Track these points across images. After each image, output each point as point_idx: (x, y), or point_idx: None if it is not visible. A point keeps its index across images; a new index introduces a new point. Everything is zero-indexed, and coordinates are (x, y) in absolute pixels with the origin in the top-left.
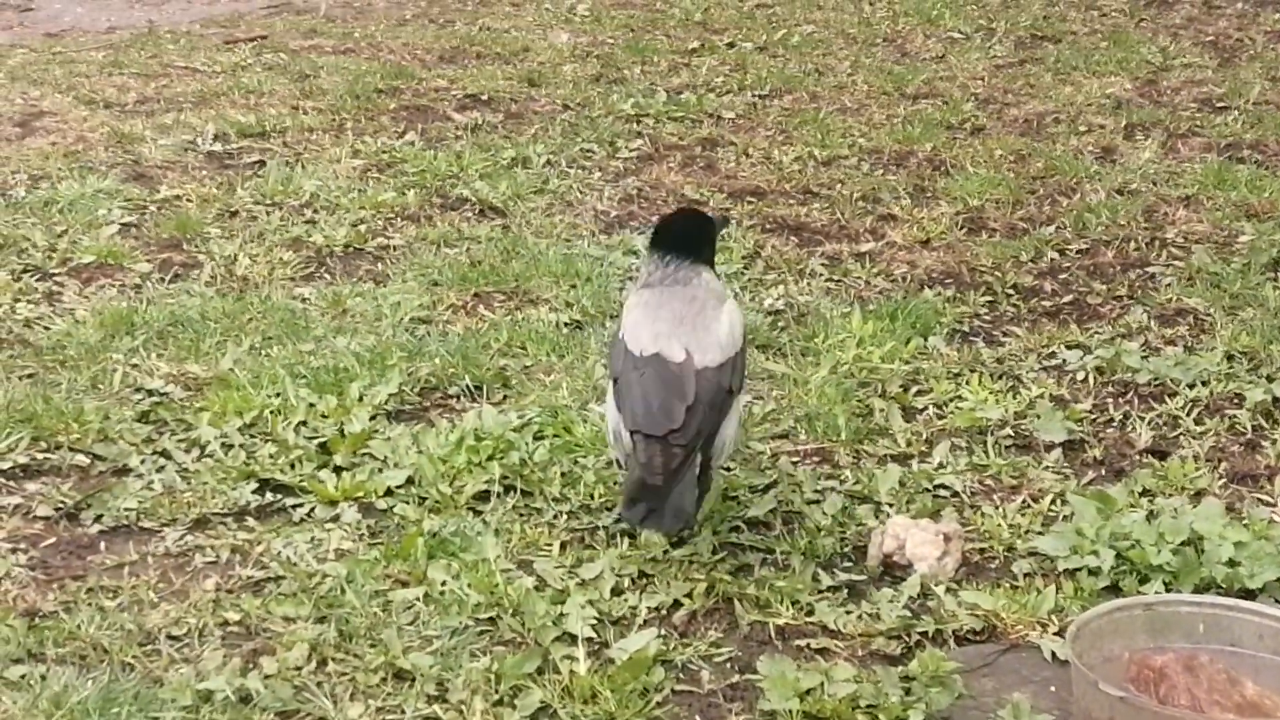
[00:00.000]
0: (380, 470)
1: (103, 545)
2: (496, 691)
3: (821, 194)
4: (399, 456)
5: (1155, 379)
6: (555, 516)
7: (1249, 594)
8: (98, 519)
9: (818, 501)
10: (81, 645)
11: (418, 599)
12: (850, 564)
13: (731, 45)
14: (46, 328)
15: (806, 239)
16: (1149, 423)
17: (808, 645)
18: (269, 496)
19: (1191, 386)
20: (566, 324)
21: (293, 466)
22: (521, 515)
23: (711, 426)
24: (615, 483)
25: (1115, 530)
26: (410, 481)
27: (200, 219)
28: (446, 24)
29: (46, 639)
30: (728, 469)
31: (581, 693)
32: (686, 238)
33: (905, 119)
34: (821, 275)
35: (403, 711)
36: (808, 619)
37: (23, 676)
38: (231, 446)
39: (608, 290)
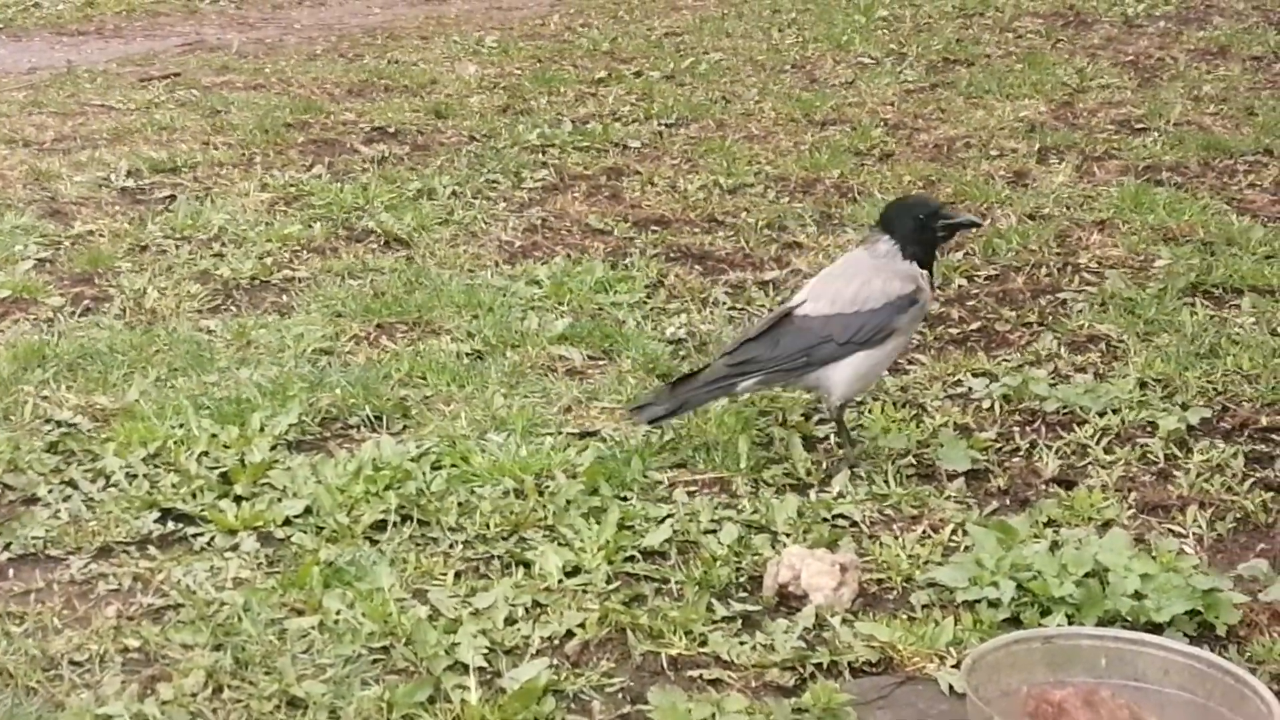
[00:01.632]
0: (279, 500)
1: (10, 573)
2: None
3: (726, 222)
4: (298, 486)
5: (1064, 407)
6: (451, 546)
7: (1156, 628)
8: (6, 547)
9: (714, 531)
10: None
11: (313, 627)
12: (746, 594)
13: (639, 74)
14: None
15: (710, 267)
16: (1056, 451)
17: (700, 676)
18: (171, 526)
19: (1102, 414)
20: (468, 354)
21: (194, 496)
22: (417, 544)
23: (780, 362)
24: (512, 513)
25: (1016, 561)
26: (308, 511)
27: (112, 253)
28: (355, 58)
29: None
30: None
31: None
32: (888, 214)
33: (813, 146)
34: (725, 304)
35: None
36: (701, 649)
37: None
38: (136, 476)
39: (509, 320)
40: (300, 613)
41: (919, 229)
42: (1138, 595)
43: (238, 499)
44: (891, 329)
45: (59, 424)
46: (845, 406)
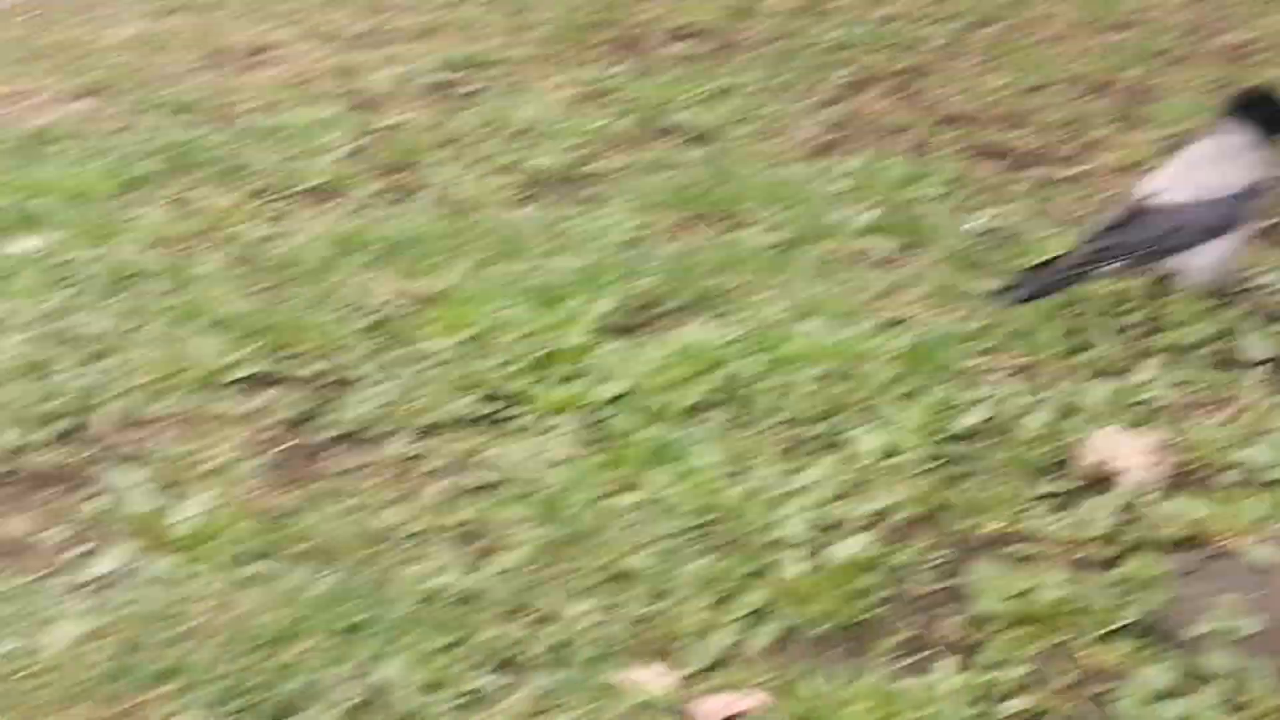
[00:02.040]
0: (599, 382)
1: (334, 451)
2: (714, 591)
3: (1027, 120)
4: (616, 369)
5: None
6: (768, 427)
7: None
8: (328, 426)
9: (1026, 414)
10: (315, 544)
11: (636, 504)
12: (1058, 474)
13: None
14: (277, 246)
15: (1012, 164)
16: None
17: (1017, 552)
18: (492, 406)
19: None
20: (776, 245)
21: (514, 378)
22: (735, 426)
23: (1138, 248)
24: (827, 396)
25: None
26: (627, 393)
27: (421, 145)
28: None
29: (282, 538)
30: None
31: (798, 594)
32: (1242, 102)
33: (1110, 47)
34: (1027, 198)
35: (624, 609)
36: (1017, 527)
37: (261, 573)
38: (455, 358)
39: (816, 213)
40: (624, 490)
41: (1271, 118)
42: None
43: (557, 381)
44: (1247, 216)
45: (376, 308)
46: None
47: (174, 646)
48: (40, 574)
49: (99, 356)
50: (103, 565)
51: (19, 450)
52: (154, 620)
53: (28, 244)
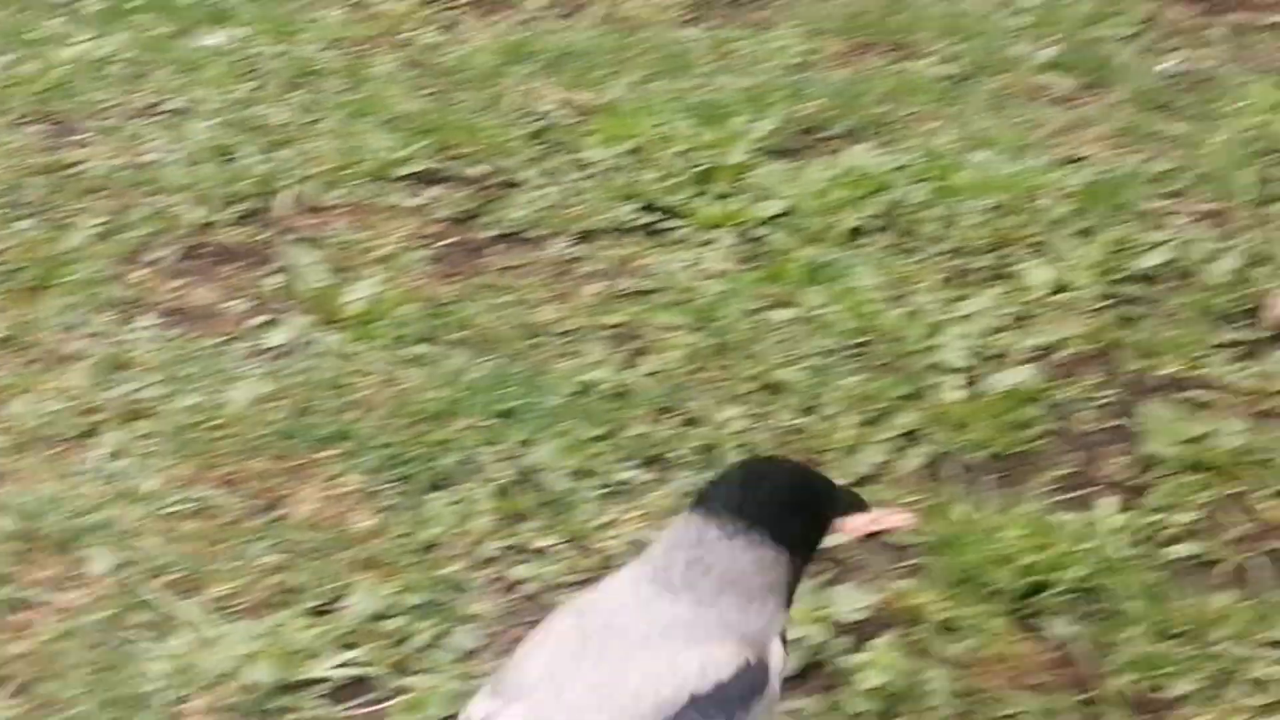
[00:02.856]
0: (758, 200)
1: (495, 249)
2: (867, 410)
3: None
4: (777, 188)
5: None
6: (933, 256)
7: None
8: (491, 225)
9: (1213, 260)
10: (476, 333)
11: (792, 320)
12: (1245, 323)
13: None
14: (447, 52)
15: (1210, 7)
16: None
17: (1194, 398)
18: (650, 216)
19: None
20: (950, 76)
21: (673, 191)
22: (898, 252)
23: None
24: (997, 228)
25: None
26: (787, 213)
27: None
28: None
29: (445, 324)
30: None
31: (953, 420)
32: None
33: None
34: (1224, 43)
35: (774, 420)
36: (1195, 372)
37: (423, 355)
38: (616, 168)
39: (993, 47)
40: (779, 305)
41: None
42: None
43: (717, 196)
44: None
45: (540, 115)
46: None
47: (342, 414)
48: (224, 339)
49: (280, 145)
50: (280, 335)
51: (207, 227)
52: (324, 388)
53: (217, 38)
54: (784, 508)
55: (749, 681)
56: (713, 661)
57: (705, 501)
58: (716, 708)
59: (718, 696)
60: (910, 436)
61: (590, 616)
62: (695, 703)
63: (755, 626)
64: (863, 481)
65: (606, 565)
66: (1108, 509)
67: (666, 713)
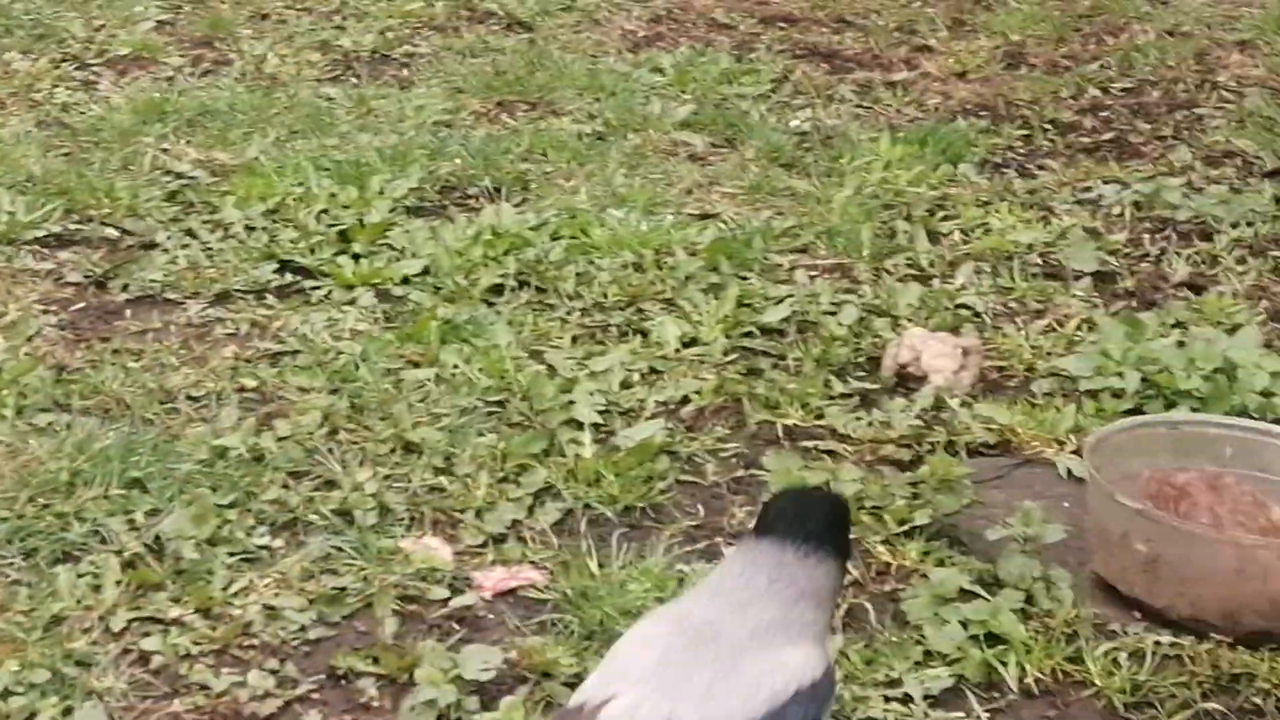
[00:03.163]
0: (397, 259)
1: (128, 312)
2: (502, 469)
3: (855, 23)
4: (416, 247)
5: (1196, 217)
6: (568, 313)
7: None
8: (125, 288)
9: (834, 312)
10: (105, 399)
11: (429, 379)
12: (864, 373)
13: None
14: (83, 112)
15: (838, 66)
16: (1187, 259)
17: (815, 447)
18: (288, 277)
19: (1235, 225)
20: (589, 134)
21: (313, 251)
22: (535, 309)
23: None
24: (630, 284)
25: (1143, 354)
26: (426, 271)
27: (232, 19)
28: None
29: (73, 391)
30: None
31: (585, 475)
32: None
33: None
34: (851, 101)
35: (409, 480)
36: (817, 422)
37: (50, 424)
38: (254, 229)
39: (631, 105)
40: (417, 365)
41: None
42: (1266, 393)
43: (356, 256)
44: None
45: (178, 175)
46: None
47: None
48: None
49: None
50: None
51: None
52: None
53: None
54: (836, 527)
55: (832, 678)
56: (810, 660)
57: (773, 530)
58: (811, 701)
59: (813, 692)
60: (544, 493)
61: (687, 621)
62: (798, 696)
63: (823, 626)
64: (497, 540)
65: (242, 633)
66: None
67: (777, 703)
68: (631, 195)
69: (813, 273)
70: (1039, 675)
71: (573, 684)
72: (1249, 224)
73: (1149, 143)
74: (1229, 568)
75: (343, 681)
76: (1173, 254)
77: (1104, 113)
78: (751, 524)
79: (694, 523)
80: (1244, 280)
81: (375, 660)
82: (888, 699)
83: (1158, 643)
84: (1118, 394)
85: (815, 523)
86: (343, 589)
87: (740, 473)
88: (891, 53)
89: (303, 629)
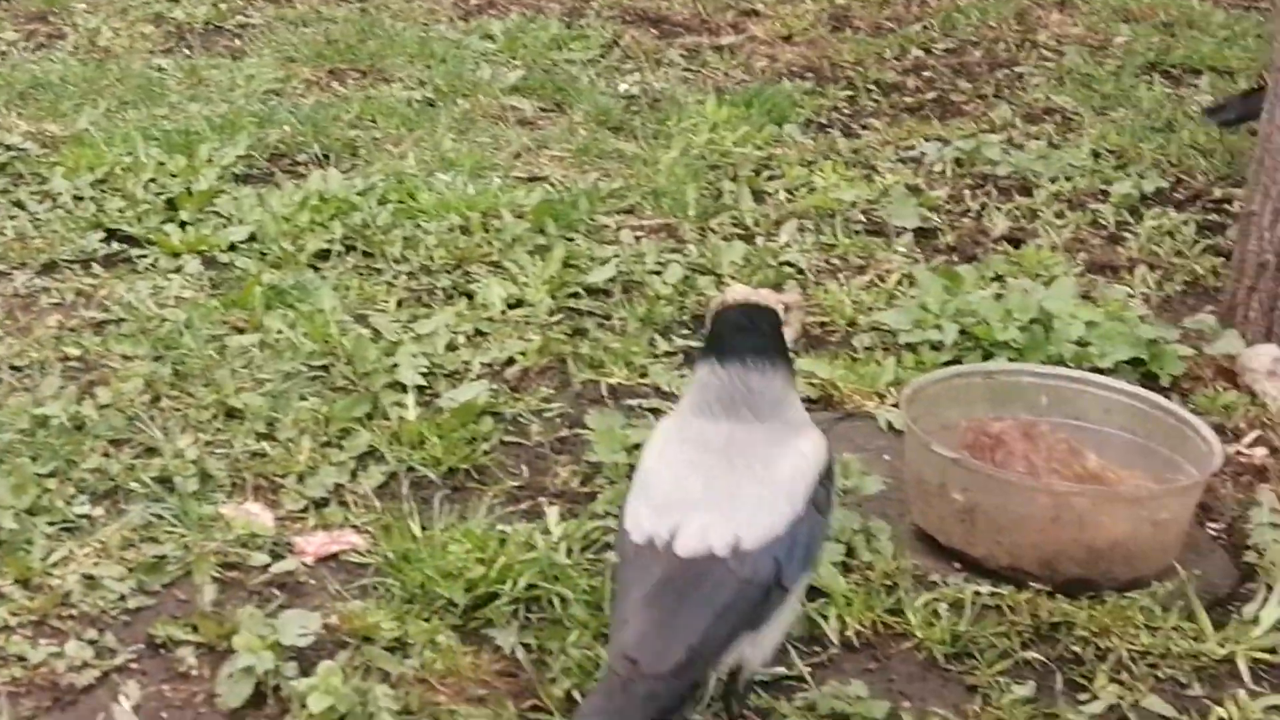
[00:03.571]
0: (224, 226)
1: None
2: (325, 432)
3: None
4: (243, 214)
5: (1016, 172)
6: (395, 276)
7: (1099, 374)
8: None
9: (659, 272)
10: None
11: (253, 345)
12: (688, 331)
13: None
14: None
15: (666, 31)
16: (1007, 213)
17: (639, 405)
18: (115, 246)
19: (1054, 180)
20: (419, 101)
21: (140, 219)
22: (361, 273)
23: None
24: (457, 247)
25: (961, 306)
26: (253, 238)
27: None
28: None
29: None
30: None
31: (409, 438)
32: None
33: None
34: (679, 65)
35: (231, 446)
36: (641, 380)
37: None
38: (82, 199)
39: (461, 71)
40: (241, 330)
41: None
42: (1082, 342)
43: (183, 224)
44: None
45: (8, 148)
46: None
47: None
48: None
49: None
50: None
51: None
52: None
53: None
54: (777, 337)
55: (832, 453)
56: (817, 445)
57: (728, 354)
58: (830, 481)
59: (828, 473)
60: (367, 456)
61: (706, 441)
62: (822, 479)
63: (803, 412)
64: (319, 504)
65: (60, 603)
66: (553, 518)
67: (810, 490)
68: (460, 160)
69: (639, 233)
70: (860, 628)
71: (393, 648)
72: (1067, 178)
73: (970, 101)
74: (1044, 515)
75: (162, 650)
76: (993, 209)
77: (926, 73)
78: (570, 485)
79: (517, 483)
80: (1062, 233)
81: (194, 628)
82: None
83: (977, 593)
84: (936, 346)
85: (763, 339)
86: (163, 557)
87: (564, 432)
88: (719, 17)
89: (122, 598)
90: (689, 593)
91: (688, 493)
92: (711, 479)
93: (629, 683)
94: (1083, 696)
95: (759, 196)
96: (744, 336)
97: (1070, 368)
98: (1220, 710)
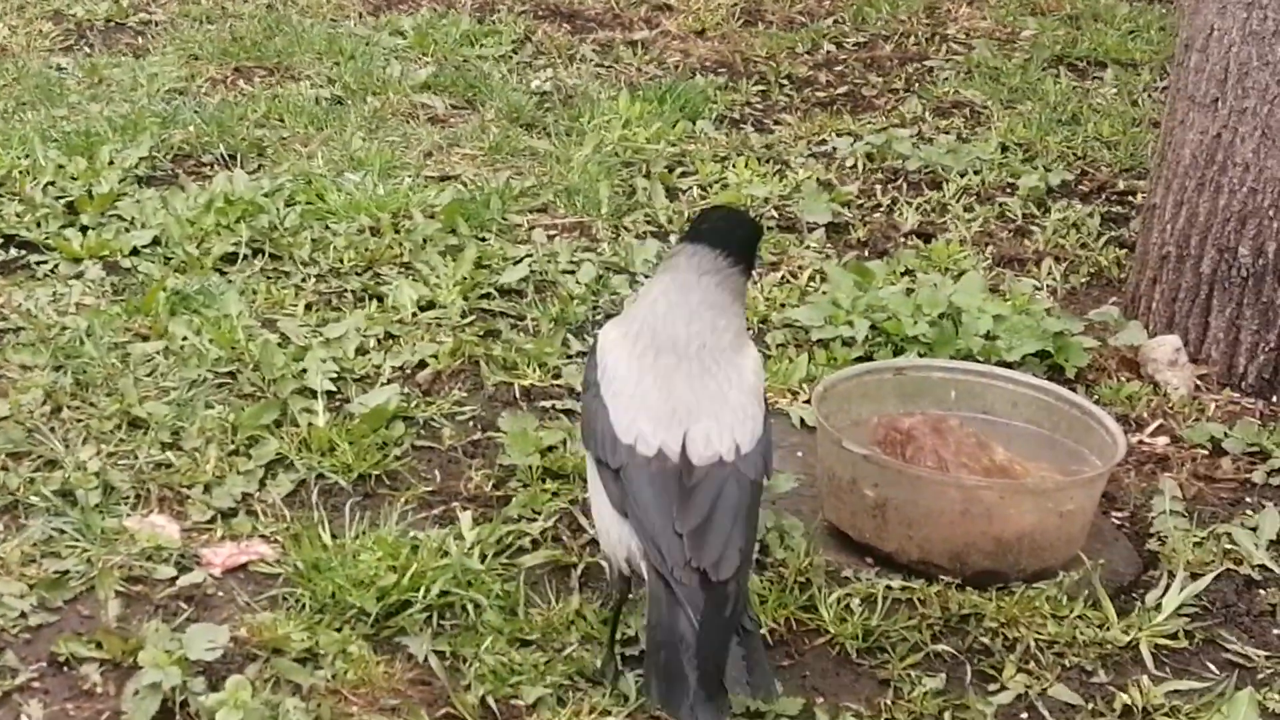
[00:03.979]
0: (127, 230)
1: None
2: (232, 441)
3: None
4: (146, 217)
5: (926, 166)
6: (303, 279)
7: (1007, 367)
8: None
9: (573, 271)
10: None
11: (158, 352)
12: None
13: None
14: None
15: (579, 26)
16: (917, 208)
17: (553, 406)
18: (13, 253)
19: (963, 174)
20: (327, 99)
21: (39, 224)
22: (269, 277)
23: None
24: (367, 249)
25: (872, 302)
26: (156, 241)
27: None
28: None
29: None
30: None
31: (319, 444)
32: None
33: None
34: (592, 60)
35: (135, 457)
36: (554, 381)
37: None
38: None
39: (371, 68)
40: (145, 338)
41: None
42: (990, 336)
43: (84, 228)
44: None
45: None
46: None
47: None
48: None
49: None
50: None
51: None
52: None
53: None
54: (754, 242)
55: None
56: (757, 358)
57: (708, 239)
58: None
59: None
60: (276, 464)
61: (669, 347)
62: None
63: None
64: (226, 515)
65: None
66: (466, 523)
67: (760, 398)
68: (369, 159)
69: (551, 232)
70: (774, 625)
71: (304, 659)
72: (976, 172)
73: (881, 95)
74: (954, 509)
75: (65, 668)
76: (903, 203)
77: (838, 67)
78: (484, 490)
79: (430, 488)
80: (970, 227)
81: (98, 645)
82: (625, 658)
83: (889, 587)
84: (848, 342)
85: (742, 236)
86: (65, 572)
87: (477, 435)
88: (632, 12)
89: (23, 615)
90: (715, 500)
91: (681, 401)
92: (697, 386)
93: (694, 593)
94: (992, 687)
95: (672, 193)
96: (728, 230)
97: (979, 362)
98: (1124, 696)
